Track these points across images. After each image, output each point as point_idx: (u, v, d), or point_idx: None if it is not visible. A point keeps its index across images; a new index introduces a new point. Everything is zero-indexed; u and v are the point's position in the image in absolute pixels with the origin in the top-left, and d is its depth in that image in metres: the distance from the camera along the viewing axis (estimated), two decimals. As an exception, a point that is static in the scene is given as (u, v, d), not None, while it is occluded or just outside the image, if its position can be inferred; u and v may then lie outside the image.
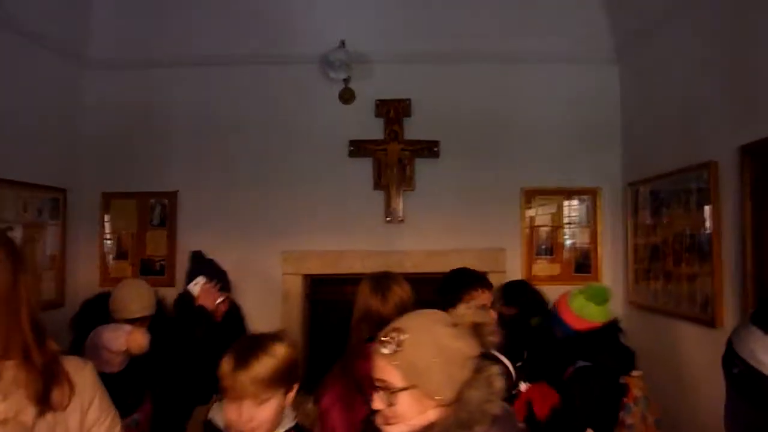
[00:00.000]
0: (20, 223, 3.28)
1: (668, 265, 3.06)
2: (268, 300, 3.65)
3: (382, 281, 2.02)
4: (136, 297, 2.67)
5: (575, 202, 3.77)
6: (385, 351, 1.24)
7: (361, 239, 3.73)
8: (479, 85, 3.77)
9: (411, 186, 3.75)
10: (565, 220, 3.77)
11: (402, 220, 3.74)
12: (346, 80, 3.70)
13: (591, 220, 3.75)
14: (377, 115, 3.76)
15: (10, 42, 3.14)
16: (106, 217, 3.81)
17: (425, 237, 3.74)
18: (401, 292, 1.99)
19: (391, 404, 1.22)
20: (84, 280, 3.74)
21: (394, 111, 3.74)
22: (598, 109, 3.74)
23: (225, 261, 3.65)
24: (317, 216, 3.76)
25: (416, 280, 2.16)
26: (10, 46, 3.15)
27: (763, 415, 0.98)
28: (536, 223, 3.76)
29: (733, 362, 1.03)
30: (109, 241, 3.82)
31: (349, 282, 3.62)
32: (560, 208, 3.77)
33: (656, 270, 3.22)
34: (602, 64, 3.76)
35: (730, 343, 1.06)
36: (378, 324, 1.64)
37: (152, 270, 3.79)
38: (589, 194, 3.75)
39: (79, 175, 3.76)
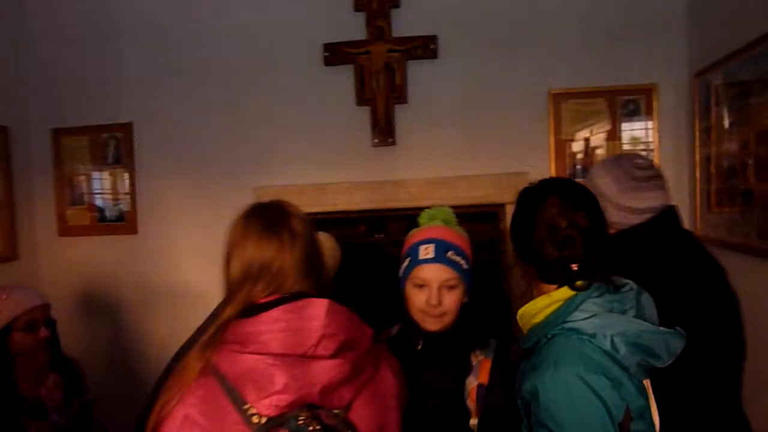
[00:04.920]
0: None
1: (748, 181, 2.15)
2: (239, 246, 3.05)
3: (274, 217, 1.31)
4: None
5: (622, 105, 2.84)
6: None
7: (345, 169, 3.02)
8: (489, -44, 2.87)
9: (403, 97, 2.96)
10: (608, 130, 2.86)
11: (394, 142, 2.98)
12: (316, -34, 2.91)
13: (644, 129, 2.82)
14: (357, 8, 2.95)
15: None
16: (59, 157, 3.30)
17: (424, 162, 2.97)
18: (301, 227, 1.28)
19: None
20: (40, 230, 3.31)
21: (377, 1, 2.92)
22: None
23: (191, 200, 3.22)
24: (291, 143, 3.06)
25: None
26: None
27: None
28: (569, 137, 2.88)
29: None
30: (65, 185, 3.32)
31: (335, 222, 2.98)
32: (601, 114, 2.85)
33: (733, 190, 2.31)
34: None
35: None
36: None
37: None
38: (641, 94, 2.81)
39: (23, 110, 3.25)
